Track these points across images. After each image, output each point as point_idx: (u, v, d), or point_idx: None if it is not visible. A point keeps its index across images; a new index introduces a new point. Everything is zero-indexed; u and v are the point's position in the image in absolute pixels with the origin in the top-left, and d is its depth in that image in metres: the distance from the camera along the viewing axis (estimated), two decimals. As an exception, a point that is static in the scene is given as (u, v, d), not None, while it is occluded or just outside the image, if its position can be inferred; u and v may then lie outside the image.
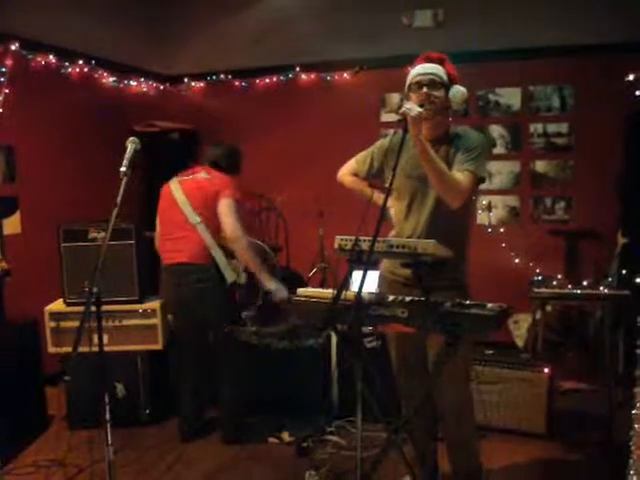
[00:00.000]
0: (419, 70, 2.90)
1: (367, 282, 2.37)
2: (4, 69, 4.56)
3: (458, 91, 2.86)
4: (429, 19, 4.66)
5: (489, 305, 2.44)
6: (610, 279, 4.52)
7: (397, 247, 2.47)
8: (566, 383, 4.70)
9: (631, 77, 4.80)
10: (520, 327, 5.15)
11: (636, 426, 2.26)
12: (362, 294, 2.39)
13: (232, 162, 4.09)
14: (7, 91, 4.55)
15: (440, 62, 2.91)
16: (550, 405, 3.99)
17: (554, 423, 4.00)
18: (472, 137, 2.92)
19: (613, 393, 4.08)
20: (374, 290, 2.95)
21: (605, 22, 4.57)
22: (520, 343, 5.09)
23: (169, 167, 4.29)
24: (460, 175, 2.78)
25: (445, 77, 2.87)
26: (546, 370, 3.96)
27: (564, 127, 5.48)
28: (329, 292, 2.65)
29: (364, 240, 2.49)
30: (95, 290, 2.60)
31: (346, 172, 3.31)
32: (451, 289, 2.80)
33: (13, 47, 4.61)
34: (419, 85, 2.87)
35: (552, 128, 5.51)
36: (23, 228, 4.82)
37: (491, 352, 4.18)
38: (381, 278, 3.12)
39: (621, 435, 3.56)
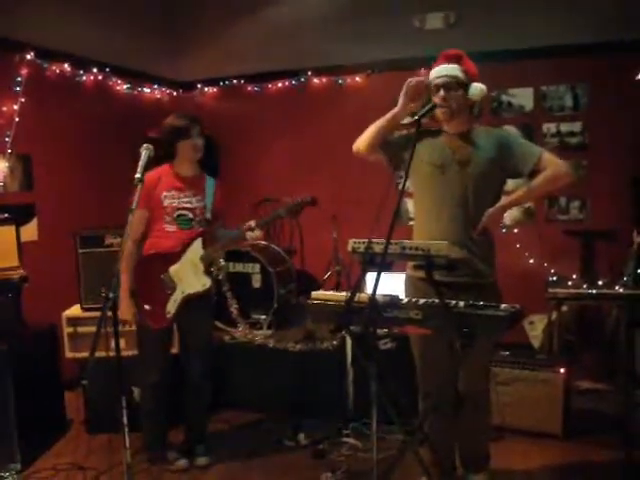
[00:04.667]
0: (435, 73, 2.96)
1: (385, 284, 2.39)
2: (20, 78, 4.62)
3: (476, 88, 2.90)
4: (440, 21, 4.65)
5: (503, 306, 2.45)
6: (626, 279, 4.49)
7: (410, 249, 2.49)
8: (582, 383, 4.68)
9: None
10: (536, 328, 5.13)
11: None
12: (376, 296, 2.41)
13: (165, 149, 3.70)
14: (23, 100, 4.61)
15: (457, 60, 2.94)
16: (566, 406, 3.98)
17: (570, 424, 3.99)
18: (506, 135, 3.09)
19: (630, 393, 4.05)
20: (400, 292, 2.96)
21: (616, 20, 4.55)
22: (536, 344, 5.07)
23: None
24: (545, 163, 2.87)
25: (462, 75, 2.90)
26: (562, 370, 3.95)
27: (577, 126, 5.46)
28: (343, 295, 2.67)
29: (377, 242, 2.51)
30: (112, 295, 2.64)
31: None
32: (479, 287, 2.86)
33: (28, 56, 4.67)
34: (437, 88, 2.91)
35: (565, 127, 5.49)
36: (40, 235, 4.89)
37: (507, 353, 4.18)
38: (408, 279, 3.14)
39: (638, 435, 3.57)
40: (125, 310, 3.56)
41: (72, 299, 4.37)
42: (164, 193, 3.61)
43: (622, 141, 5.21)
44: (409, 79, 2.93)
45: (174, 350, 4.01)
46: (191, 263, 3.60)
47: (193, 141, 3.61)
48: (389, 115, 3.03)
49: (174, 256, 3.59)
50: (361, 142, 3.15)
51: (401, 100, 2.95)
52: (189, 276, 3.60)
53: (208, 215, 3.68)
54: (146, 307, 3.59)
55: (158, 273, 3.60)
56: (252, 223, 3.51)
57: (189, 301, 3.61)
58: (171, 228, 3.60)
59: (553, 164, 2.86)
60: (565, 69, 5.40)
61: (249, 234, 3.51)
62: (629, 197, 5.09)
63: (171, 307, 3.60)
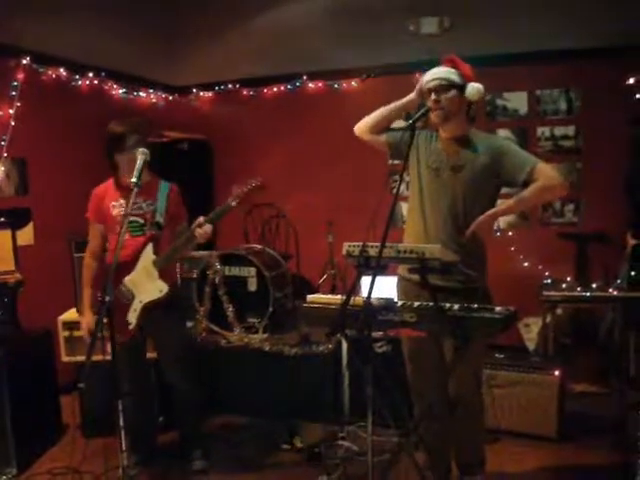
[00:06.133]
0: (427, 76, 2.98)
1: (379, 287, 2.40)
2: (16, 83, 4.63)
3: (473, 88, 2.92)
4: (435, 26, 4.67)
5: (497, 308, 2.47)
6: (620, 281, 4.52)
7: (405, 252, 2.50)
8: (577, 386, 4.70)
9: (631, 80, 4.80)
10: (531, 330, 5.15)
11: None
12: (371, 299, 2.42)
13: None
14: (19, 104, 4.62)
15: (450, 63, 2.96)
16: (561, 408, 3.99)
17: (565, 426, 4.01)
18: (502, 143, 3.05)
19: (625, 396, 4.07)
20: (392, 295, 2.97)
21: (609, 25, 4.58)
22: (531, 346, 5.09)
23: (179, 177, 4.32)
24: (537, 175, 2.85)
25: (455, 77, 2.92)
26: (556, 373, 3.96)
27: (571, 130, 5.49)
28: (338, 298, 2.69)
29: (372, 246, 2.53)
30: (107, 299, 2.64)
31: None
32: (468, 291, 2.86)
33: (24, 61, 4.68)
34: (429, 91, 2.94)
35: (559, 131, 5.52)
36: (36, 239, 4.89)
37: (502, 356, 4.19)
38: (399, 282, 3.16)
39: (633, 438, 3.59)
40: (88, 323, 3.55)
41: (68, 303, 4.38)
42: (112, 203, 3.55)
43: (615, 144, 5.23)
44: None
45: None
46: (145, 270, 3.49)
47: (128, 154, 3.38)
48: (400, 103, 3.09)
49: (128, 265, 3.47)
50: (365, 123, 3.19)
51: (415, 92, 3.03)
52: (144, 284, 3.49)
53: (159, 219, 3.54)
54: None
55: (115, 284, 3.41)
56: (201, 219, 3.39)
57: (152, 309, 3.51)
58: (124, 237, 3.47)
59: (546, 175, 2.85)
60: (559, 73, 5.44)
61: (198, 231, 3.36)
62: (622, 200, 5.12)
63: (132, 317, 3.50)
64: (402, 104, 3.11)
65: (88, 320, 3.56)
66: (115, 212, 3.55)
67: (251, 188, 3.47)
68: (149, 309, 3.51)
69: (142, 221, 3.51)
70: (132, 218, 3.46)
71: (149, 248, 3.50)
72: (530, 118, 5.59)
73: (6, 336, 3.96)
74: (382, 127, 3.17)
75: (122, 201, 3.54)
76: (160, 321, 3.59)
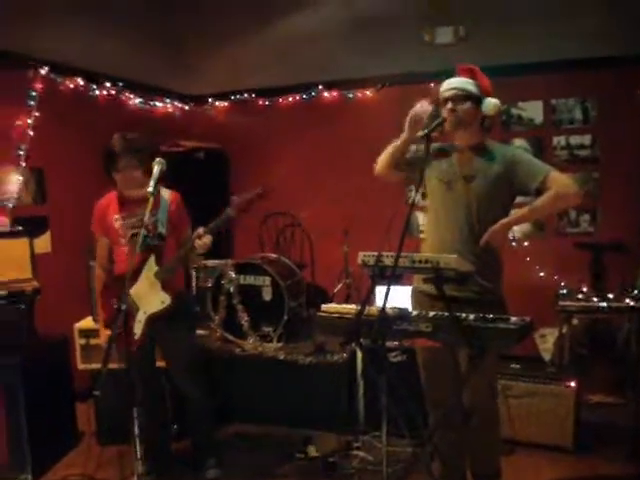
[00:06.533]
0: (444, 85, 3.01)
1: (394, 297, 2.40)
2: (34, 93, 4.67)
3: (490, 103, 2.92)
4: (450, 35, 4.67)
5: (513, 319, 2.46)
6: (637, 291, 4.48)
7: (420, 262, 2.50)
8: (594, 397, 4.66)
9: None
10: (547, 340, 5.11)
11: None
12: (386, 309, 2.42)
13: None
14: (37, 114, 4.67)
15: (469, 73, 2.97)
16: (577, 419, 3.97)
17: (581, 437, 3.98)
18: (515, 152, 3.05)
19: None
20: (406, 305, 2.97)
21: (624, 34, 4.57)
22: (547, 357, 5.05)
23: (195, 186, 4.35)
24: (550, 183, 2.84)
25: (473, 88, 2.94)
26: (572, 384, 3.94)
27: (587, 139, 5.47)
28: (353, 307, 2.69)
29: (387, 256, 2.53)
30: (123, 307, 2.66)
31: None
32: (483, 302, 2.85)
33: (43, 71, 4.73)
34: (445, 100, 2.95)
35: (575, 140, 5.50)
36: (53, 247, 4.93)
37: (518, 366, 4.17)
38: (413, 293, 3.17)
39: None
40: (106, 335, 3.52)
41: (84, 311, 4.41)
42: (115, 216, 3.56)
43: (632, 154, 5.21)
44: (412, 110, 2.91)
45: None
46: (148, 281, 3.48)
47: (123, 174, 3.49)
48: (398, 141, 3.06)
49: (132, 276, 3.40)
50: (378, 166, 3.20)
51: (406, 129, 2.96)
52: (148, 295, 3.49)
53: (162, 229, 3.53)
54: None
55: (121, 295, 3.32)
56: (200, 230, 3.37)
57: (157, 319, 3.50)
58: (127, 249, 3.52)
59: (560, 184, 2.84)
60: (574, 82, 5.42)
61: (197, 242, 3.35)
62: (639, 209, 5.09)
63: (137, 329, 3.48)
64: (400, 143, 3.05)
65: (106, 332, 3.55)
66: (117, 225, 3.56)
67: (252, 197, 3.42)
68: (154, 320, 3.50)
69: (145, 232, 3.39)
70: (135, 231, 3.47)
71: (152, 259, 3.48)
72: (546, 127, 5.58)
73: (23, 343, 4.00)
74: (391, 166, 3.12)
75: (125, 214, 3.56)
76: (166, 331, 3.59)
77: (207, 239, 3.36)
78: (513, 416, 3.98)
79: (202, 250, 3.40)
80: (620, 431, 4.18)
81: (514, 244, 5.50)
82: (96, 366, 4.17)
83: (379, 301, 2.45)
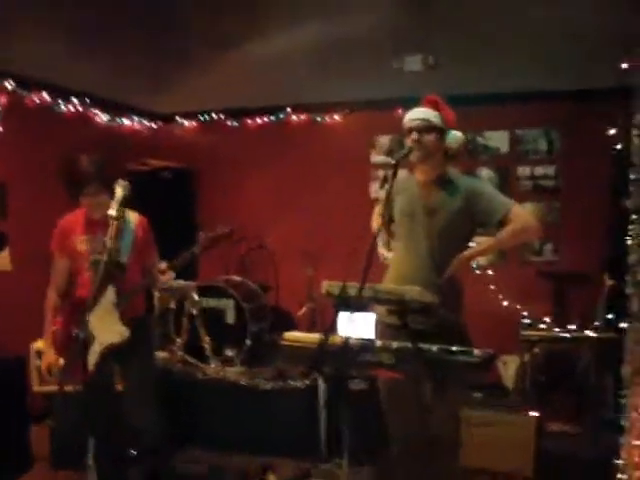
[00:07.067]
0: (410, 115, 3.01)
1: (359, 325, 2.39)
2: (-2, 107, 4.60)
3: (454, 136, 2.96)
4: (419, 63, 4.72)
5: (475, 351, 2.45)
6: (597, 322, 4.54)
7: (383, 293, 2.49)
8: (553, 425, 4.69)
9: (612, 131, 4.86)
10: (509, 368, 5.15)
11: (620, 476, 2.26)
12: (349, 340, 2.41)
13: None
14: (1, 129, 4.58)
15: (433, 105, 2.98)
16: (538, 448, 3.98)
17: (542, 466, 3.99)
18: (477, 185, 3.07)
19: (599, 437, 4.07)
20: (370, 335, 2.95)
21: (589, 68, 4.66)
22: (509, 384, 5.08)
23: (161, 205, 4.31)
24: (512, 217, 2.87)
25: (437, 120, 2.95)
26: (533, 413, 3.96)
27: (551, 170, 5.55)
28: (316, 336, 2.66)
29: (351, 286, 2.51)
30: (82, 336, 2.60)
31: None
32: (444, 332, 2.84)
33: (8, 85, 4.65)
34: (410, 130, 2.95)
35: (539, 171, 5.58)
36: (13, 265, 4.81)
37: (480, 395, 4.18)
38: (376, 324, 3.15)
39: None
40: (49, 362, 3.36)
41: (42, 331, 4.30)
42: (80, 237, 3.36)
43: (594, 185, 5.29)
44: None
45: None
46: (106, 312, 3.25)
47: (91, 199, 3.27)
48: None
49: (90, 305, 3.17)
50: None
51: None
52: (105, 326, 3.26)
53: (123, 259, 3.31)
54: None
55: (78, 324, 3.22)
56: (163, 265, 3.25)
57: (114, 349, 3.29)
58: (88, 275, 3.32)
59: (521, 219, 2.89)
60: (540, 114, 5.51)
61: (159, 277, 3.26)
62: (600, 240, 5.16)
63: (92, 358, 3.26)
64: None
65: (50, 360, 3.35)
66: (81, 248, 3.35)
67: (219, 236, 3.34)
68: (110, 350, 3.30)
69: (106, 259, 3.13)
70: (96, 257, 3.26)
71: (110, 289, 3.26)
72: (511, 157, 5.65)
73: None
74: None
75: (89, 236, 3.35)
76: (124, 359, 3.41)
77: (169, 276, 3.26)
78: (474, 444, 3.98)
79: (163, 286, 3.33)
80: (579, 461, 4.20)
81: (477, 271, 5.54)
82: (52, 388, 4.06)
83: (343, 329, 2.42)
